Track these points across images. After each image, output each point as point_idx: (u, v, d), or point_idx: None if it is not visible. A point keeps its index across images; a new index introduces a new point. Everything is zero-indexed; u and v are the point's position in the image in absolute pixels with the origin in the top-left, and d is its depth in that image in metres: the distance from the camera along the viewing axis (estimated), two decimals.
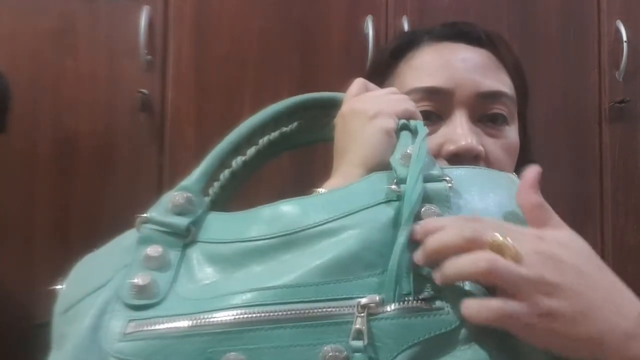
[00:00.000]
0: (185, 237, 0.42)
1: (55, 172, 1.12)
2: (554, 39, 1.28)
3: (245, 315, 0.36)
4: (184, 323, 0.37)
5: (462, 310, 0.35)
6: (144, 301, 0.38)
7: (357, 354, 0.34)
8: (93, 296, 0.40)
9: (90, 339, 0.38)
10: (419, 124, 0.46)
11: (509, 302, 0.35)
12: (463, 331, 0.36)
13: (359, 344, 0.35)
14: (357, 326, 0.35)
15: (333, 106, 0.53)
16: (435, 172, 0.41)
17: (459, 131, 0.59)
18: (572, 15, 1.29)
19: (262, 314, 0.36)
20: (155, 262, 0.40)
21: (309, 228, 0.39)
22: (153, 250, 0.40)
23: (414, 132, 0.46)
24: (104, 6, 1.16)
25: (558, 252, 0.37)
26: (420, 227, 0.38)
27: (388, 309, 0.36)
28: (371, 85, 0.55)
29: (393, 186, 0.40)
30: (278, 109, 0.54)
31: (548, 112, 1.24)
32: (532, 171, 0.41)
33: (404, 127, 0.46)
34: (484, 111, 0.61)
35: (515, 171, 0.63)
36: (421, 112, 0.54)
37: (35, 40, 1.13)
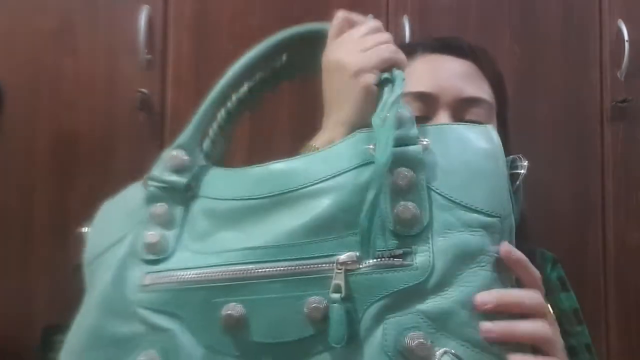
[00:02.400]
0: (186, 193, 0.47)
1: (55, 172, 1.12)
2: (555, 39, 1.28)
3: (242, 271, 0.42)
4: (190, 277, 0.43)
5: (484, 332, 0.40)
6: (156, 256, 0.45)
7: (335, 305, 0.39)
8: (113, 249, 0.46)
9: (114, 289, 0.44)
10: (398, 78, 0.47)
11: (540, 322, 0.43)
12: (430, 283, 0.40)
13: (337, 296, 0.40)
14: (336, 281, 0.40)
15: (319, 38, 0.56)
16: (412, 132, 0.43)
17: None
18: (573, 14, 1.29)
19: (256, 270, 0.42)
20: (162, 219, 0.46)
21: (293, 190, 0.44)
22: (159, 208, 0.46)
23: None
24: (103, 6, 1.16)
25: None
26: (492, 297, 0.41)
27: (363, 265, 0.40)
28: (355, 17, 0.57)
29: (370, 148, 0.42)
30: (264, 47, 0.55)
31: (549, 111, 1.24)
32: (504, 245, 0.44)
33: (386, 81, 0.47)
34: (463, 115, 0.70)
35: None
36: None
37: (34, 40, 1.13)
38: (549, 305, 0.45)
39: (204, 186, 0.48)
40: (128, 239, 0.46)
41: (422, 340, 0.38)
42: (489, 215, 0.42)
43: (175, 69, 1.16)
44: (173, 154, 0.48)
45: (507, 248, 0.43)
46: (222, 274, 0.42)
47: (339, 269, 0.40)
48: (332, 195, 0.42)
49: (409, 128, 0.43)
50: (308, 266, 0.41)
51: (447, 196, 0.42)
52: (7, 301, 1.09)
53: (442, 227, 0.41)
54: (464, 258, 0.41)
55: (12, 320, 1.09)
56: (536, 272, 0.46)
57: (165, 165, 0.48)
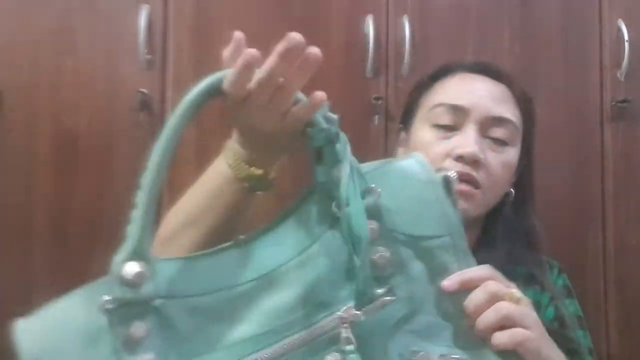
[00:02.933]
0: (153, 302, 0.43)
1: (55, 172, 1.11)
2: (555, 39, 1.28)
3: (260, 358, 0.43)
4: None
5: (493, 340, 0.50)
6: None
7: (352, 355, 0.44)
8: None
9: None
10: (343, 145, 0.49)
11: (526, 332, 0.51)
12: (413, 307, 0.47)
13: (350, 347, 0.44)
14: (345, 335, 0.44)
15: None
16: (365, 186, 0.48)
17: (468, 140, 0.75)
18: (573, 14, 1.29)
19: (273, 353, 0.43)
20: (141, 340, 0.41)
21: (277, 268, 0.46)
22: (137, 329, 0.41)
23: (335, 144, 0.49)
24: (103, 6, 1.15)
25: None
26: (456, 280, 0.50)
27: (361, 313, 0.45)
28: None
29: (335, 210, 0.47)
30: (182, 116, 0.52)
31: (549, 111, 1.24)
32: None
33: (328, 141, 0.49)
34: (491, 131, 0.77)
35: (514, 188, 0.81)
36: (442, 123, 0.76)
37: (34, 40, 1.12)
38: (517, 292, 0.53)
39: (171, 285, 0.44)
40: None
41: (423, 351, 0.46)
42: (441, 237, 0.49)
43: (175, 69, 1.16)
44: (129, 267, 0.43)
45: (445, 283, 0.50)
46: None
47: (343, 324, 0.45)
48: (314, 264, 0.46)
49: (363, 181, 0.48)
50: (315, 331, 0.45)
51: (405, 233, 0.48)
52: (7, 301, 1.09)
53: (408, 260, 0.48)
54: (432, 278, 0.49)
55: (12, 320, 1.09)
56: (480, 268, 0.52)
57: (123, 282, 0.42)
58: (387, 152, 1.20)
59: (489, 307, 0.50)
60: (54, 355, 0.43)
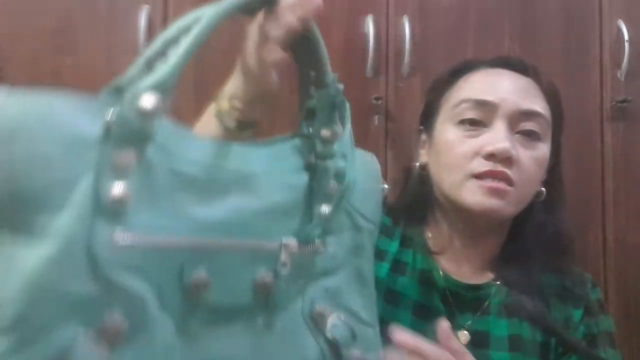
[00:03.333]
0: (149, 142, 0.42)
1: None
2: (555, 39, 1.28)
3: (207, 240, 0.45)
4: (161, 240, 0.42)
5: None
6: (121, 211, 0.40)
7: (283, 276, 0.48)
8: (59, 190, 0.38)
9: (76, 244, 0.38)
10: (346, 111, 0.56)
11: None
12: (333, 266, 0.54)
13: (285, 270, 0.49)
14: (283, 258, 0.49)
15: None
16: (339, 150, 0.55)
17: (498, 136, 0.71)
18: (573, 14, 1.29)
19: (219, 242, 0.45)
20: (125, 168, 0.41)
21: (253, 176, 0.49)
22: (124, 156, 0.41)
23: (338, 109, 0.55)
24: (103, 6, 1.16)
25: None
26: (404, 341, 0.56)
27: (299, 250, 0.50)
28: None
29: (317, 159, 0.53)
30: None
31: None
32: (444, 325, 0.58)
33: (332, 104, 0.55)
34: (521, 126, 0.74)
35: (545, 186, 0.77)
36: (469, 119, 0.73)
37: (34, 40, 1.13)
38: None
39: (168, 140, 0.45)
40: (83, 185, 0.39)
41: (325, 309, 0.52)
42: (371, 222, 0.58)
43: None
44: (149, 98, 0.42)
45: (398, 337, 0.56)
46: (191, 241, 0.44)
47: (285, 250, 0.49)
48: (285, 189, 0.51)
49: (349, 147, 0.56)
50: (260, 244, 0.48)
51: (351, 205, 0.55)
52: None
53: (345, 227, 0.55)
54: (352, 250, 0.56)
55: None
56: (443, 354, 0.57)
57: (136, 108, 0.41)
58: (387, 151, 1.20)
59: None
60: (34, 135, 0.38)
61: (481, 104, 0.74)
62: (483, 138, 0.72)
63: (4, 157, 0.37)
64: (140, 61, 0.46)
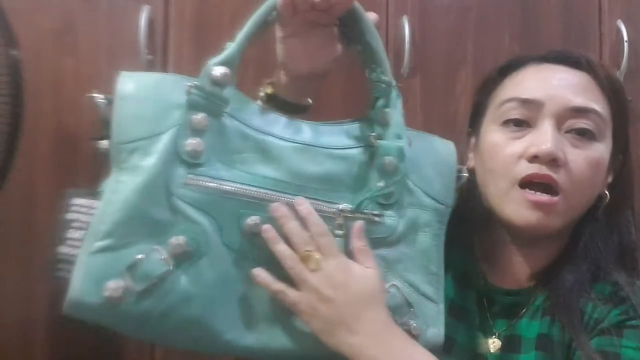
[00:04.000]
0: (222, 108, 0.55)
1: (56, 172, 1.12)
2: (555, 39, 1.28)
3: (266, 194, 0.55)
4: (227, 187, 0.54)
5: (253, 276, 0.56)
6: (195, 160, 0.53)
7: (338, 238, 0.58)
8: (150, 141, 0.53)
9: (157, 178, 0.52)
10: (396, 100, 0.63)
11: (291, 289, 0.57)
12: (392, 238, 0.61)
13: (340, 232, 0.58)
14: (339, 222, 0.58)
15: None
16: (402, 131, 0.63)
17: (543, 137, 0.67)
18: (573, 15, 1.29)
19: (277, 197, 0.55)
20: (200, 128, 0.53)
21: (318, 147, 0.59)
22: (199, 117, 0.53)
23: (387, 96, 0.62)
24: (104, 6, 1.16)
25: (349, 281, 0.57)
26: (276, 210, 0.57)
27: (354, 215, 0.58)
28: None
29: (372, 136, 0.61)
30: None
31: None
32: (358, 226, 0.59)
33: (388, 92, 0.62)
34: (572, 124, 0.68)
35: (610, 190, 0.71)
36: (514, 119, 0.70)
37: (35, 40, 1.12)
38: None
39: (236, 108, 0.56)
40: (166, 137, 0.53)
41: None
42: (439, 202, 0.64)
43: (176, 69, 1.15)
44: (218, 68, 0.55)
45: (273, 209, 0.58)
46: (252, 192, 0.55)
47: (340, 214, 0.58)
48: (344, 162, 0.59)
49: (402, 129, 0.63)
50: (318, 206, 0.57)
51: (415, 184, 0.62)
52: (7, 301, 1.09)
53: (406, 203, 0.61)
54: (415, 226, 0.62)
55: (12, 320, 1.09)
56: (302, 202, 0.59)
57: (210, 78, 0.55)
58: None
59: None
60: (136, 99, 0.54)
61: (526, 103, 0.69)
62: (528, 138, 0.68)
63: (117, 113, 0.53)
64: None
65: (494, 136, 0.71)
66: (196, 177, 0.53)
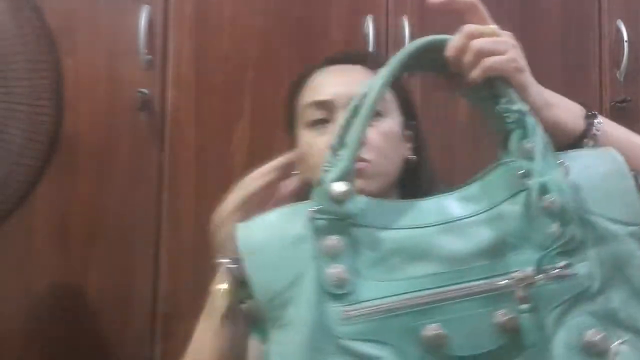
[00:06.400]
0: (351, 223, 0.49)
1: (55, 171, 1.12)
2: (555, 39, 1.28)
3: (434, 295, 0.47)
4: (388, 305, 0.47)
5: (469, 78, 0.55)
6: (343, 290, 0.47)
7: (524, 314, 0.47)
8: (295, 287, 0.48)
9: (316, 326, 0.47)
10: (536, 129, 0.53)
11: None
12: (593, 288, 0.48)
13: (525, 306, 0.47)
14: (521, 294, 0.47)
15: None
16: (554, 160, 0.52)
17: None
18: (572, 15, 1.29)
19: (445, 293, 0.47)
20: (335, 252, 0.48)
21: (457, 220, 0.50)
22: (331, 241, 0.48)
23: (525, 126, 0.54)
24: (103, 6, 1.16)
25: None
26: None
27: (537, 279, 0.47)
28: None
29: (524, 179, 0.51)
30: (403, 58, 0.56)
31: None
32: None
33: (524, 121, 0.53)
34: None
35: (415, 153, 0.79)
36: (315, 119, 0.77)
37: (35, 39, 1.12)
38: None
39: (362, 216, 0.50)
40: (309, 276, 0.48)
41: (600, 335, 0.47)
42: (629, 224, 0.51)
43: (176, 69, 1.16)
44: (337, 185, 0.50)
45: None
46: (417, 300, 0.47)
47: (520, 284, 0.47)
48: (498, 222, 0.50)
49: (554, 156, 0.52)
50: (491, 285, 0.48)
51: (594, 213, 0.50)
52: (7, 301, 1.09)
53: (592, 240, 0.49)
54: (614, 262, 0.49)
55: (12, 320, 1.09)
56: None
57: (330, 197, 0.49)
58: None
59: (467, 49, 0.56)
60: (264, 249, 0.49)
61: (321, 104, 0.79)
62: (330, 133, 0.76)
63: (252, 271, 0.49)
64: (328, 155, 0.53)
65: (305, 137, 0.80)
66: (352, 308, 0.47)
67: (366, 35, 1.19)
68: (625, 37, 1.25)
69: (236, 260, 0.50)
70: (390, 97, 0.81)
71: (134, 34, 1.13)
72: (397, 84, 0.81)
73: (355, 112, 0.53)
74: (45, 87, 0.88)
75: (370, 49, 1.18)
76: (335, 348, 0.47)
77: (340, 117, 0.57)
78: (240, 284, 0.50)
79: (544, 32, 1.28)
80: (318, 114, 0.79)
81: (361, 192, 0.71)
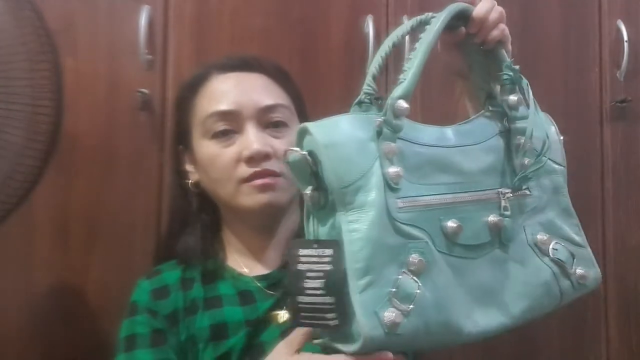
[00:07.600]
0: (399, 135, 0.61)
1: (55, 171, 1.11)
2: (555, 39, 1.28)
3: (451, 198, 0.63)
4: (425, 202, 0.61)
5: (489, 39, 0.71)
6: (397, 185, 0.59)
7: (507, 219, 0.65)
8: (367, 176, 0.58)
9: (384, 210, 0.58)
10: (526, 85, 0.72)
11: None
12: (540, 205, 0.70)
13: (507, 213, 0.66)
14: (504, 204, 0.66)
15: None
16: (524, 112, 0.71)
17: (250, 140, 0.78)
18: (572, 14, 1.29)
19: (458, 198, 0.64)
20: (391, 156, 0.60)
21: (470, 145, 0.67)
22: (392, 146, 0.60)
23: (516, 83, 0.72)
24: (104, 5, 1.16)
25: None
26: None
27: (514, 195, 0.67)
28: None
29: (508, 123, 0.70)
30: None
31: (549, 111, 1.23)
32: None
33: (514, 78, 0.71)
34: (268, 120, 0.81)
35: None
36: (220, 130, 0.79)
37: (35, 39, 1.12)
38: None
39: (405, 133, 0.63)
40: (375, 170, 0.59)
41: (545, 237, 0.69)
42: (561, 165, 0.74)
43: (176, 69, 1.16)
44: (402, 102, 0.61)
45: None
46: (443, 200, 0.62)
47: (503, 197, 0.66)
48: (492, 152, 0.68)
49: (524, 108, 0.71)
50: (485, 195, 0.66)
51: (546, 155, 0.70)
52: (7, 300, 1.09)
53: (543, 173, 0.70)
54: (553, 190, 0.72)
55: (12, 319, 1.09)
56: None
57: (394, 111, 0.61)
58: None
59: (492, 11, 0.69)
60: (341, 144, 0.59)
61: (225, 114, 0.79)
62: (238, 144, 0.79)
63: (329, 161, 0.58)
64: (368, 78, 0.67)
65: (209, 149, 0.80)
66: (402, 200, 0.59)
67: (366, 35, 1.19)
68: (625, 37, 1.25)
69: (308, 152, 0.58)
70: (290, 105, 0.84)
71: (134, 34, 1.13)
72: (294, 93, 0.86)
73: (398, 44, 0.73)
74: (45, 87, 0.88)
75: (371, 49, 1.18)
76: (393, 228, 0.58)
77: (382, 48, 0.71)
78: (311, 174, 0.58)
79: (544, 33, 1.28)
80: (222, 125, 0.79)
81: (273, 204, 0.78)
